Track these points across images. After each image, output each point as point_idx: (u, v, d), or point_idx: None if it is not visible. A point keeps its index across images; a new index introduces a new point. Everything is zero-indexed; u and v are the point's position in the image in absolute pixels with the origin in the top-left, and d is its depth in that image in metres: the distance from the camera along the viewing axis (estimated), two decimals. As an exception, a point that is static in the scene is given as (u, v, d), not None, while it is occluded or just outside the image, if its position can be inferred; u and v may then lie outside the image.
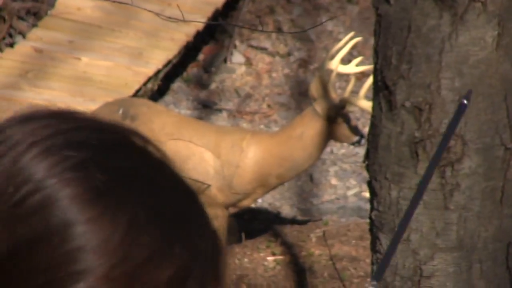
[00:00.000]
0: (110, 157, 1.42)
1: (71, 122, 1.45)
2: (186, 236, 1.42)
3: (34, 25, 10.59)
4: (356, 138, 8.28)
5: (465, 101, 1.79)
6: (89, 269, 1.35)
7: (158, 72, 10.73)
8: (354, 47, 8.40)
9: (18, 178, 1.37)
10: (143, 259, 1.38)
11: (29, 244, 1.36)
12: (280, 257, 8.19)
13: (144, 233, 1.38)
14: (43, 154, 1.38)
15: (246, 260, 8.15)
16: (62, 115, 1.47)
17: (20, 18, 10.58)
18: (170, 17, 8.81)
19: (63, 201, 1.36)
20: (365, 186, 4.76)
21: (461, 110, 1.75)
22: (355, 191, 9.73)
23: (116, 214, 1.37)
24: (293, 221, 9.06)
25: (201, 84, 10.94)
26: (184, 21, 9.25)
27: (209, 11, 10.74)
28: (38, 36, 10.46)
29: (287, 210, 9.69)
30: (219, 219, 8.32)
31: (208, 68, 11.07)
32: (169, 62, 10.81)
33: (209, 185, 8.25)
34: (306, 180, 9.80)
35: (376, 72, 4.49)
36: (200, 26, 10.62)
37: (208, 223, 1.47)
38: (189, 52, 11.12)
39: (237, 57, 10.98)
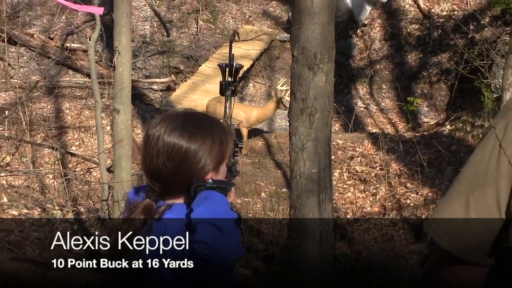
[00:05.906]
0: (197, 127, 1.21)
1: (178, 120, 1.21)
2: (220, 136, 1.22)
3: (195, 72, 10.40)
4: (285, 108, 8.23)
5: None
6: (206, 162, 1.21)
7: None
8: (284, 81, 8.30)
9: (171, 149, 1.19)
10: (217, 146, 1.22)
11: (183, 164, 1.19)
12: (263, 142, 8.15)
13: (211, 140, 1.21)
14: (173, 139, 1.18)
15: (253, 143, 8.12)
16: (171, 119, 1.22)
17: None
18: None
19: (191, 148, 1.18)
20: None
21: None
22: (285, 123, 9.66)
23: (204, 141, 1.20)
24: (266, 132, 9.01)
25: (240, 92, 10.80)
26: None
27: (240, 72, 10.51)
28: (200, 72, 10.28)
29: (265, 128, 9.60)
30: (245, 132, 8.31)
31: (242, 88, 10.91)
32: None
33: (242, 121, 8.20)
34: (269, 120, 9.71)
35: (291, 89, 4.45)
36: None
37: (223, 131, 1.24)
38: (235, 83, 10.92)
39: (250, 85, 10.82)
